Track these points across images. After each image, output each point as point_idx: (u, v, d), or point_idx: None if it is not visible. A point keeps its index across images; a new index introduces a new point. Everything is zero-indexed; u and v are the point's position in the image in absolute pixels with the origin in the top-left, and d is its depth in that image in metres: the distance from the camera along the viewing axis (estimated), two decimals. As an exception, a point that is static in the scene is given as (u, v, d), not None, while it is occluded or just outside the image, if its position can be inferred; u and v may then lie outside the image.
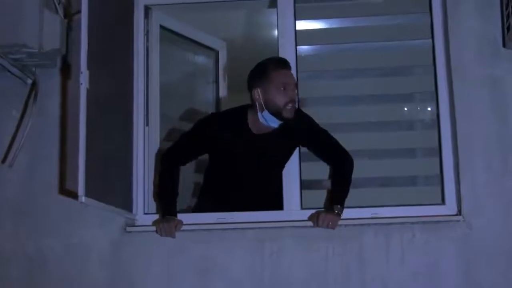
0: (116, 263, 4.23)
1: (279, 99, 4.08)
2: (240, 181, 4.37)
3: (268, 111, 4.13)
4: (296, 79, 4.22)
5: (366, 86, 4.48)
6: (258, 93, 4.13)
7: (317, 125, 4.31)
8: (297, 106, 4.20)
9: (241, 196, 4.38)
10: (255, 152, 4.26)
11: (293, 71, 4.34)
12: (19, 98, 4.40)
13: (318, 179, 4.40)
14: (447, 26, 4.28)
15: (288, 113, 4.10)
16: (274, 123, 4.17)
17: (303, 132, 4.28)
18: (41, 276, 4.26)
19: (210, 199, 4.49)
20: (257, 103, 4.15)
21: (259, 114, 4.16)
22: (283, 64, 4.16)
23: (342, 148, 4.29)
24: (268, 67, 4.13)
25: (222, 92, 5.44)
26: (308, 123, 4.31)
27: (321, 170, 4.39)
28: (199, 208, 4.52)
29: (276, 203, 4.35)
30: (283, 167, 4.37)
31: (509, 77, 4.21)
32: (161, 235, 4.16)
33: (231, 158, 4.34)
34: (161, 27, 4.73)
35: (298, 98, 4.27)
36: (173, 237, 4.16)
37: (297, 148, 4.36)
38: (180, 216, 4.27)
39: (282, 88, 4.09)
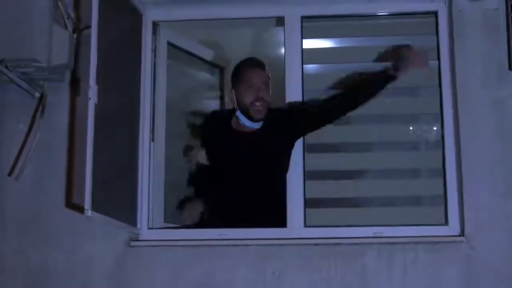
0: (120, 278, 4.24)
1: (246, 98, 4.24)
2: (235, 186, 4.37)
3: (240, 110, 4.29)
4: (268, 79, 4.31)
5: (371, 106, 4.48)
6: (232, 94, 4.32)
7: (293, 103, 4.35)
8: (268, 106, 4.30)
9: (238, 204, 4.37)
10: (242, 151, 4.34)
11: (299, 89, 4.39)
12: (27, 112, 4.41)
13: (322, 198, 4.41)
14: (453, 48, 4.30)
15: (255, 113, 4.24)
16: (248, 123, 4.30)
17: (283, 117, 4.32)
18: (45, 289, 4.28)
19: (214, 210, 4.51)
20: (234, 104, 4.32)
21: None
22: (252, 63, 4.33)
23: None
24: (238, 68, 4.35)
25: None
26: (284, 108, 4.35)
27: (325, 189, 4.41)
28: (205, 222, 4.53)
29: (273, 213, 4.35)
30: (277, 171, 4.34)
31: (514, 100, 4.24)
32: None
33: (221, 158, 4.43)
34: (169, 43, 4.76)
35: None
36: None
37: (299, 162, 4.38)
38: (183, 232, 4.30)
39: (249, 87, 4.23)
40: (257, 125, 4.31)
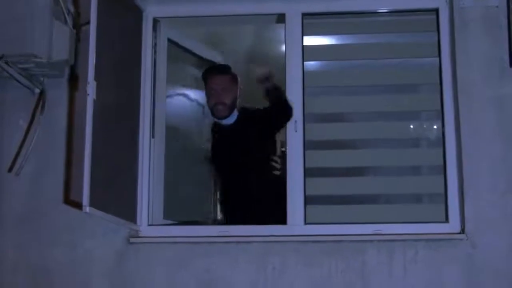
0: (120, 274, 4.24)
1: (209, 102, 4.84)
2: (229, 182, 4.86)
3: (209, 110, 4.86)
4: (230, 82, 4.80)
5: (372, 103, 4.49)
6: (205, 95, 4.89)
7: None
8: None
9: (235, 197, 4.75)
10: (227, 147, 4.81)
11: (299, 86, 4.41)
12: (27, 108, 4.41)
13: (322, 195, 4.41)
14: (454, 45, 4.30)
15: (217, 112, 4.80)
16: (217, 120, 4.85)
17: (251, 119, 4.77)
18: (45, 286, 4.27)
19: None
20: None
21: None
22: (212, 70, 4.91)
23: None
24: (203, 75, 4.90)
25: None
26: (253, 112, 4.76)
27: (325, 186, 4.41)
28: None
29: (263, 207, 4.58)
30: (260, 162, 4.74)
31: (515, 97, 4.23)
32: None
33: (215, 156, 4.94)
34: (169, 40, 4.75)
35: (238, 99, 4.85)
36: None
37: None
38: (182, 228, 4.32)
39: (210, 92, 4.81)
40: (230, 121, 4.80)
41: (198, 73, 5.07)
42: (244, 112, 4.84)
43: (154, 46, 4.61)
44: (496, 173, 4.16)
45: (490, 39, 4.28)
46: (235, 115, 4.80)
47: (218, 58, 5.32)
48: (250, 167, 4.73)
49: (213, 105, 4.79)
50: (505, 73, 4.24)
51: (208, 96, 4.84)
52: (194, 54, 5.11)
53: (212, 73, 4.87)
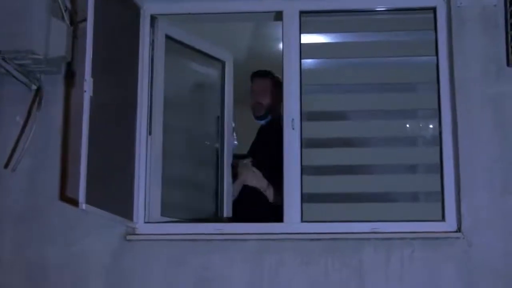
0: (116, 272, 4.24)
1: (250, 101, 5.19)
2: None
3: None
4: (271, 85, 5.08)
5: (369, 101, 4.48)
6: None
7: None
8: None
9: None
10: (257, 145, 5.16)
11: (297, 84, 4.41)
12: (23, 104, 4.40)
13: (319, 193, 4.40)
14: (452, 44, 4.30)
15: (254, 112, 5.16)
16: (255, 119, 5.18)
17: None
18: (41, 283, 4.26)
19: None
20: None
21: None
22: (255, 74, 5.25)
23: None
24: (250, 78, 5.24)
25: (227, 103, 5.44)
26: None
27: (322, 184, 4.41)
28: None
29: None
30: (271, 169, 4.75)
31: (512, 96, 4.23)
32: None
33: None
34: (167, 36, 4.74)
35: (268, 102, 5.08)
36: None
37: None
38: (179, 225, 4.33)
39: (252, 93, 5.19)
40: (262, 122, 5.14)
41: (198, 69, 5.08)
42: (279, 119, 4.84)
43: (152, 42, 4.60)
44: (492, 172, 4.16)
45: (488, 38, 4.29)
46: (270, 117, 5.09)
47: (222, 55, 5.32)
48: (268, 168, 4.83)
49: (253, 105, 5.15)
50: (503, 72, 4.25)
51: (251, 96, 5.18)
52: (192, 49, 5.09)
53: (255, 76, 5.24)
